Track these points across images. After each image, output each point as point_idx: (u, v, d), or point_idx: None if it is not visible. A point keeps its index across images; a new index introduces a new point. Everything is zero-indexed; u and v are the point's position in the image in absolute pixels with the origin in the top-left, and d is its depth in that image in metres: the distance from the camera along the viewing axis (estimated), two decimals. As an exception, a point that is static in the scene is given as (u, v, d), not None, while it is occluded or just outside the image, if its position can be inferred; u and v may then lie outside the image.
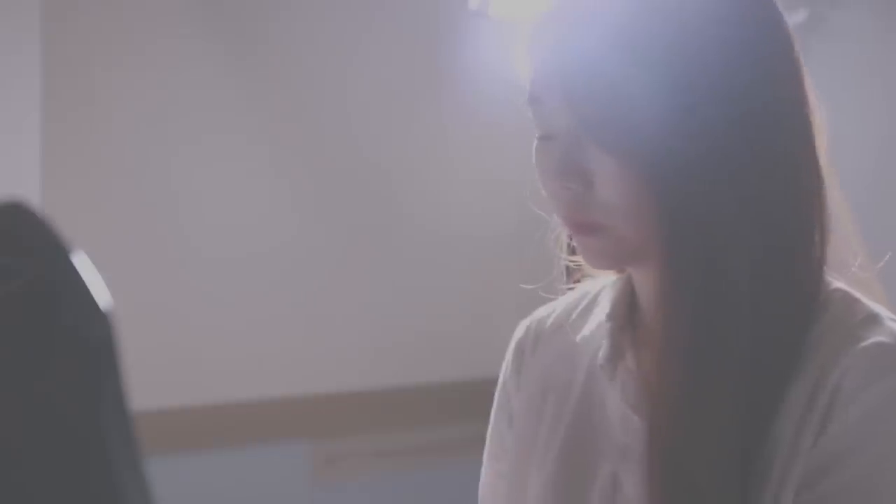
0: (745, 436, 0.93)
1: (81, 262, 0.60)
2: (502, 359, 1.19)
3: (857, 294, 0.98)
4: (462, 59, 2.88)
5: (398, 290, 2.97)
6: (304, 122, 2.83)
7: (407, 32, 2.91)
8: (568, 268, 1.13)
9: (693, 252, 0.93)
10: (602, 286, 1.13)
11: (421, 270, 2.99)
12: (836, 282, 0.99)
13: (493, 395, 1.20)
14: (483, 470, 1.20)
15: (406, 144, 2.95)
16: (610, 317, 1.07)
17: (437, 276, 3.01)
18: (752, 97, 0.93)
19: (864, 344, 0.92)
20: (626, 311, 1.07)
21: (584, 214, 0.97)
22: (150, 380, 2.50)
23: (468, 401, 3.01)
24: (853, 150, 1.00)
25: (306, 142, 2.84)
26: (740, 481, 0.92)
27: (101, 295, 0.60)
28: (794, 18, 1.01)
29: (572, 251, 1.10)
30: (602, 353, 1.06)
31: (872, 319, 0.95)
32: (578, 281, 1.16)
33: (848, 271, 1.00)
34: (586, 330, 1.11)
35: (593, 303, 1.14)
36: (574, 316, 1.15)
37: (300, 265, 2.84)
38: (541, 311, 1.19)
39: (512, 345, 1.19)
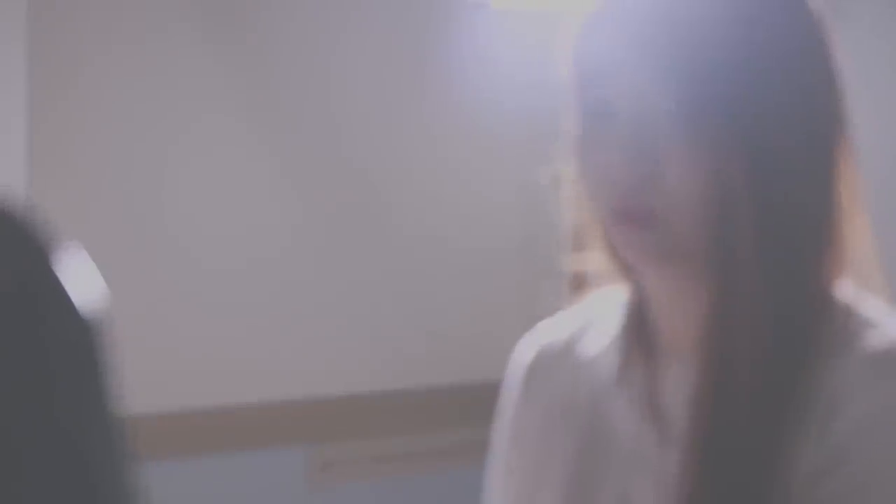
0: (768, 435, 0.94)
1: (70, 265, 0.59)
2: (501, 364, 1.17)
3: (864, 300, 0.99)
4: (465, 53, 2.87)
5: (396, 294, 2.96)
6: (302, 125, 2.82)
7: (406, 25, 2.90)
8: (573, 284, 1.12)
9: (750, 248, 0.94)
10: (607, 304, 1.11)
11: (419, 274, 2.98)
12: (846, 288, 1.00)
13: (491, 400, 1.20)
14: (486, 486, 1.18)
15: (406, 146, 2.94)
16: (621, 331, 1.06)
17: (435, 280, 3.00)
18: (818, 89, 0.97)
19: (864, 348, 0.94)
20: (637, 324, 1.05)
21: (642, 200, 0.94)
22: (145, 384, 2.49)
23: (466, 406, 3.01)
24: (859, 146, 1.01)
25: (304, 144, 2.83)
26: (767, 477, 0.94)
27: (85, 299, 0.59)
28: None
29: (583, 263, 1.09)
30: (613, 368, 1.05)
31: (873, 324, 0.97)
32: (583, 295, 1.14)
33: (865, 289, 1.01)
34: (594, 348, 1.09)
35: (600, 320, 1.11)
36: (580, 334, 1.12)
37: (296, 268, 2.83)
38: (545, 330, 1.16)
39: (515, 364, 1.16)
